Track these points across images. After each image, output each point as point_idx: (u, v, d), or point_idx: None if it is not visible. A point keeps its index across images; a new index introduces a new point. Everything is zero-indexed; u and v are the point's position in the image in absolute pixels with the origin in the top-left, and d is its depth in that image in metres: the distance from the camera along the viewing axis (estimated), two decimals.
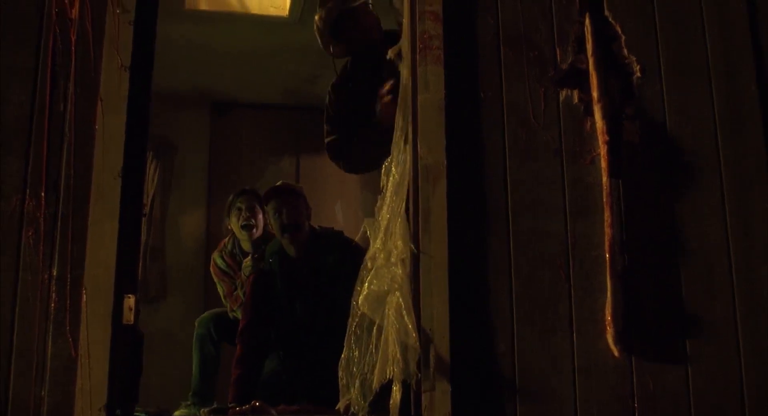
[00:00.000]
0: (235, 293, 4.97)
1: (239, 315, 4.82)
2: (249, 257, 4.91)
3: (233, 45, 6.73)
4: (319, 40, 4.17)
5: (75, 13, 2.87)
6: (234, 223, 5.12)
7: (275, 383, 4.59)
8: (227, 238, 5.28)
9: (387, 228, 2.95)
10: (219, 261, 5.17)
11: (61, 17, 2.86)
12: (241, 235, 5.11)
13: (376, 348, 2.85)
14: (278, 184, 4.92)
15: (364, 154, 3.95)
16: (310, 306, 4.59)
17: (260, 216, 5.12)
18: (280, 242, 4.71)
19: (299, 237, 4.62)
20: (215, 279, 5.20)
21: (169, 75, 6.24)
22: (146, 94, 2.96)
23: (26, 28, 2.85)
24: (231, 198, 5.27)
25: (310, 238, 4.68)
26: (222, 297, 5.16)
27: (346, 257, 4.43)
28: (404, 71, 3.16)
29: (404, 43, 3.22)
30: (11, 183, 2.73)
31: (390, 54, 3.45)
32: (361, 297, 2.91)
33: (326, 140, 4.12)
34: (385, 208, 3.01)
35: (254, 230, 5.08)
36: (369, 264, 2.97)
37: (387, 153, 3.16)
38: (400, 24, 3.64)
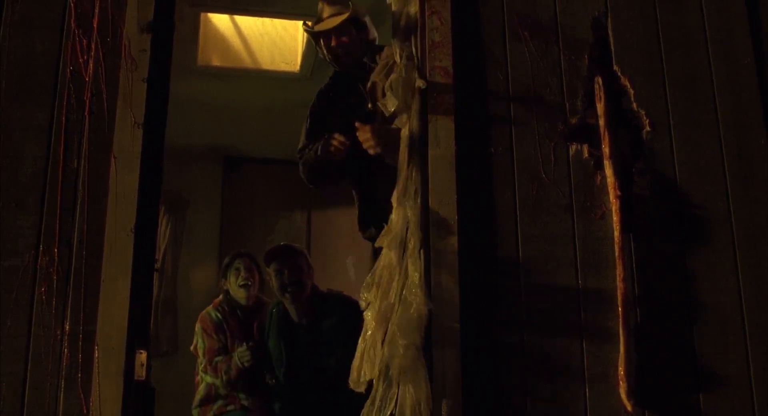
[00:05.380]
0: (216, 359, 4.83)
1: (208, 379, 4.84)
2: (245, 345, 4.75)
3: (245, 100, 6.81)
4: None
5: (89, 71, 2.90)
6: (232, 283, 5.08)
7: None
8: (220, 297, 5.17)
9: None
10: (213, 314, 5.01)
11: (76, 75, 2.89)
12: (238, 293, 5.04)
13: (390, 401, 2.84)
14: (279, 244, 4.99)
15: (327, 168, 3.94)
16: (303, 367, 4.60)
17: (257, 277, 5.11)
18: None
19: (301, 296, 4.64)
20: (200, 336, 4.99)
21: (182, 130, 6.26)
22: (159, 150, 2.97)
23: (41, 86, 2.87)
24: (228, 260, 5.25)
25: (313, 300, 4.69)
26: (200, 353, 4.96)
27: (346, 321, 4.36)
28: (414, 122, 3.10)
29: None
30: (24, 239, 2.73)
31: (374, 77, 3.47)
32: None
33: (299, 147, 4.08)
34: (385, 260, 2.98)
35: (251, 290, 5.04)
36: None
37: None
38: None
